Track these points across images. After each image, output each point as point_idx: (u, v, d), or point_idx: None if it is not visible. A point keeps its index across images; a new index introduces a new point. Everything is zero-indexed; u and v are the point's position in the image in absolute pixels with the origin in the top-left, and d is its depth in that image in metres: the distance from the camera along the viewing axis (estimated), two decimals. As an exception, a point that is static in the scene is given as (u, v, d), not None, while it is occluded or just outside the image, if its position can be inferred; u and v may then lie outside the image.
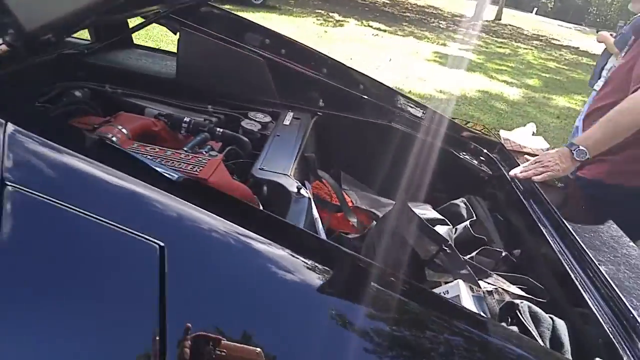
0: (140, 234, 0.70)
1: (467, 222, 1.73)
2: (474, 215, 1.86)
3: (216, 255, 0.76)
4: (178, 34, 1.98)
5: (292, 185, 1.41)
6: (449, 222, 1.77)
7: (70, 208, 0.69)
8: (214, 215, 0.77)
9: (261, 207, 1.40)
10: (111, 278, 0.70)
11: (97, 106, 1.88)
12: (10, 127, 0.74)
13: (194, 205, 0.77)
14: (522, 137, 2.19)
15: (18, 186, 0.69)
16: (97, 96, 1.93)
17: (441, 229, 1.65)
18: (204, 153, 1.42)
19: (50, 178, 0.74)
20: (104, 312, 0.68)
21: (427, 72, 8.52)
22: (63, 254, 0.71)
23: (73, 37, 2.34)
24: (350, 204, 1.77)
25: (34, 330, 0.66)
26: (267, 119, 1.88)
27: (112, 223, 0.69)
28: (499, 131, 2.17)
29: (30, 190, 0.70)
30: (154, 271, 0.68)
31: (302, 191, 1.38)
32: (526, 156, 2.07)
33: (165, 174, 0.84)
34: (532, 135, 2.21)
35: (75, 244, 0.71)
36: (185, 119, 1.70)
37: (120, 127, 1.48)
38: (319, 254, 0.87)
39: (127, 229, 0.69)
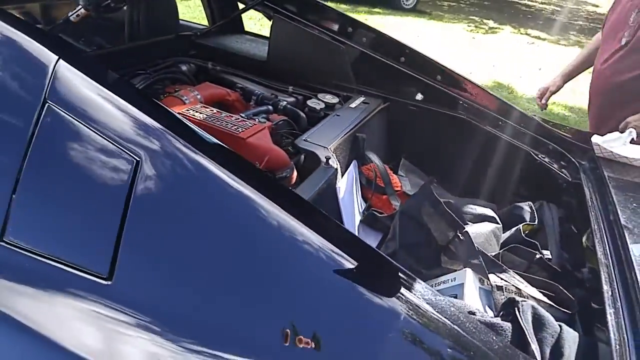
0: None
1: (521, 225, 1.65)
2: (536, 220, 1.76)
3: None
4: (272, 20, 2.21)
5: (324, 155, 1.52)
6: (499, 221, 1.71)
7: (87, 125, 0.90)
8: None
9: (295, 172, 1.54)
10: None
11: (198, 78, 2.20)
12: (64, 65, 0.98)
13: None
14: (618, 143, 1.99)
15: (55, 106, 0.92)
16: (200, 71, 2.24)
17: (487, 226, 1.61)
18: (255, 120, 1.60)
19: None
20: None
21: (584, 85, 7.75)
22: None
23: (192, 22, 2.73)
24: (398, 189, 1.81)
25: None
26: (335, 100, 2.01)
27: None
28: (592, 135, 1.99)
29: (65, 111, 0.92)
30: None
31: (331, 161, 1.48)
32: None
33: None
34: (631, 142, 1.98)
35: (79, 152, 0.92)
36: (255, 92, 1.90)
37: (196, 92, 1.73)
38: (305, 217, 0.86)
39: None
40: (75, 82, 0.94)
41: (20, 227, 0.90)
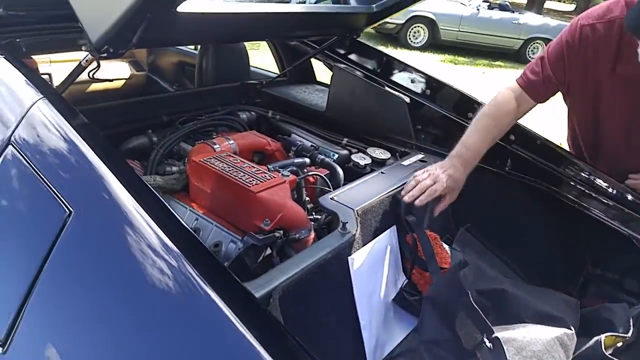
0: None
1: (603, 337, 1.29)
2: (630, 330, 1.38)
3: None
4: (332, 70, 2.13)
5: (345, 218, 1.34)
6: (570, 325, 1.36)
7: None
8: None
9: (312, 234, 1.39)
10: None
11: (259, 126, 2.18)
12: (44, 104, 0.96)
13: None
14: None
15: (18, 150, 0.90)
16: (260, 119, 2.22)
17: (550, 331, 1.29)
18: (279, 172, 1.49)
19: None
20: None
21: None
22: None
23: (266, 70, 2.76)
24: (446, 265, 1.56)
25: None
26: (385, 155, 1.84)
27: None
28: None
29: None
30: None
31: (348, 226, 1.31)
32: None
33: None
34: None
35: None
36: (296, 143, 1.81)
37: (232, 141, 1.68)
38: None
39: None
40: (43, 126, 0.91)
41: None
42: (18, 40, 1.37)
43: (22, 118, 0.92)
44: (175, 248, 0.74)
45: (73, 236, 0.78)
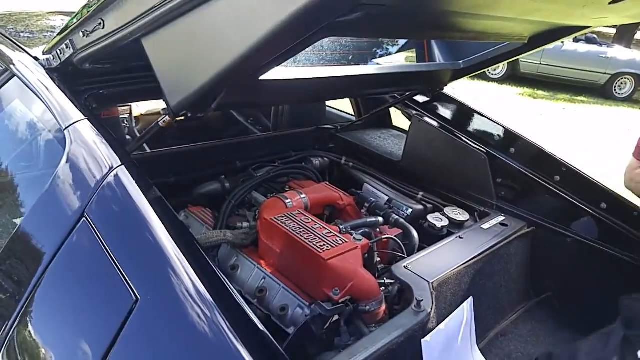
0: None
1: None
2: None
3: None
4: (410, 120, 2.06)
5: (420, 294, 1.25)
6: None
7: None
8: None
9: (383, 306, 1.30)
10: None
11: (331, 171, 2.14)
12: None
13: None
14: None
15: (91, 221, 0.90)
16: (333, 165, 2.18)
17: None
18: (350, 235, 1.43)
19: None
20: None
21: None
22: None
23: (339, 110, 2.72)
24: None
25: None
26: (464, 217, 1.72)
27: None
28: None
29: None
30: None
31: (424, 304, 1.21)
32: None
33: None
34: None
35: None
36: (370, 199, 1.74)
37: (303, 195, 1.64)
38: None
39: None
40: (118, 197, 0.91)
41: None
42: (102, 91, 1.42)
43: (98, 187, 0.92)
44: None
45: (138, 324, 0.76)
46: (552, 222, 1.74)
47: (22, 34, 1.78)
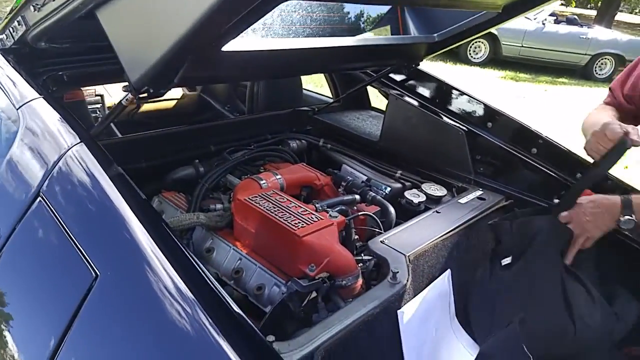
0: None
1: None
2: None
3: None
4: (387, 98, 2.03)
5: (396, 266, 1.24)
6: None
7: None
8: None
9: (360, 280, 1.29)
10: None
11: (310, 154, 2.11)
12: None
13: None
14: None
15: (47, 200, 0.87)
16: (311, 148, 2.15)
17: None
18: (326, 213, 1.41)
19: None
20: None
21: None
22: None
23: (316, 93, 2.69)
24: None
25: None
26: (441, 192, 1.71)
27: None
28: None
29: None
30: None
31: (399, 276, 1.20)
32: None
33: None
34: None
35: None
36: (347, 178, 1.72)
37: (279, 176, 1.61)
38: None
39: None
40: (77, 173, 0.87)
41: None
42: (61, 73, 1.37)
43: (54, 166, 0.88)
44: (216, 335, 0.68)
45: (98, 300, 0.73)
46: (530, 195, 1.73)
47: None
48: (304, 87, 2.63)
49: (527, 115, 6.34)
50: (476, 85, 8.46)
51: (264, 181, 1.56)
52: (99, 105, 2.54)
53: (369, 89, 2.46)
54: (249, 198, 1.42)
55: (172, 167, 1.74)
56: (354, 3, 1.86)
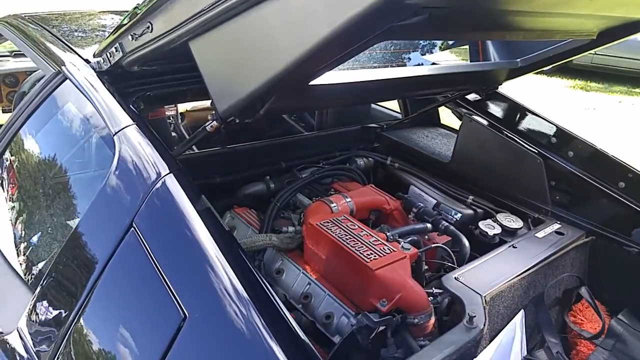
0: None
1: None
2: None
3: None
4: (461, 120, 1.97)
5: (473, 308, 1.19)
6: None
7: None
8: None
9: (432, 319, 1.25)
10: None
11: (376, 172, 2.09)
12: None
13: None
14: None
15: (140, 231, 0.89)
16: (378, 165, 2.13)
17: None
18: (398, 243, 1.38)
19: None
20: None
21: None
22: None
23: (386, 108, 2.64)
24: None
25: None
26: (517, 224, 1.64)
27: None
28: None
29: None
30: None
31: (476, 320, 1.15)
32: None
33: None
34: None
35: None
36: (418, 204, 1.68)
37: (349, 199, 1.60)
38: None
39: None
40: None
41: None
42: (149, 93, 1.42)
43: (145, 197, 0.90)
44: None
45: (187, 341, 0.74)
46: (614, 232, 1.63)
47: (75, 33, 1.81)
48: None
49: (599, 129, 6.01)
50: (543, 95, 8.11)
51: (334, 204, 1.55)
52: (172, 113, 2.62)
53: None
54: (320, 223, 1.41)
55: (244, 182, 1.76)
56: (447, 40, 1.81)
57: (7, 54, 2.86)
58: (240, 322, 0.74)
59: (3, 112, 2.79)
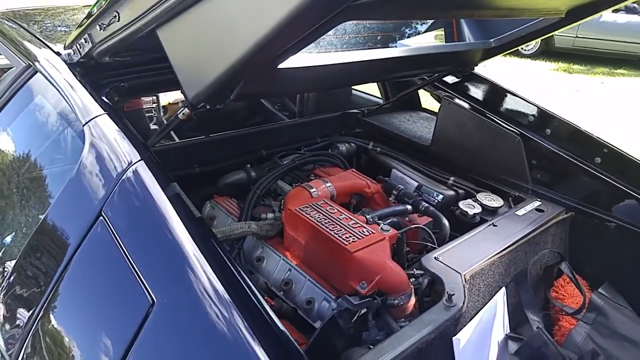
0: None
1: None
2: None
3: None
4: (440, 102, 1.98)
5: (452, 287, 1.20)
6: None
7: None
8: None
9: (412, 300, 1.26)
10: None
11: (358, 157, 2.09)
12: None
13: None
14: None
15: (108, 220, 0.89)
16: (360, 150, 2.13)
17: None
18: (377, 225, 1.38)
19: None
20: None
21: None
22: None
23: (365, 93, 2.65)
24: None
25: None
26: (498, 203, 1.65)
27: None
28: None
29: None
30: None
31: (455, 298, 1.16)
32: None
33: None
34: None
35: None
36: (398, 186, 1.69)
37: (329, 184, 1.60)
38: None
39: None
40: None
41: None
42: (123, 84, 1.41)
43: (115, 185, 0.90)
44: None
45: (156, 328, 0.74)
46: (593, 207, 1.65)
47: (58, 28, 1.79)
48: (353, 87, 2.60)
49: (582, 110, 6.06)
50: (527, 78, 8.16)
51: (314, 189, 1.55)
52: (154, 105, 2.60)
53: (420, 89, 2.40)
54: (299, 208, 1.41)
55: (225, 172, 1.76)
56: (409, 19, 1.81)
57: None
58: (211, 308, 0.74)
59: None
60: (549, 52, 10.40)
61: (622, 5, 1.48)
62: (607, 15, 10.25)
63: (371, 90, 2.73)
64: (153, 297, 0.75)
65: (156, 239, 0.83)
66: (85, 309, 0.88)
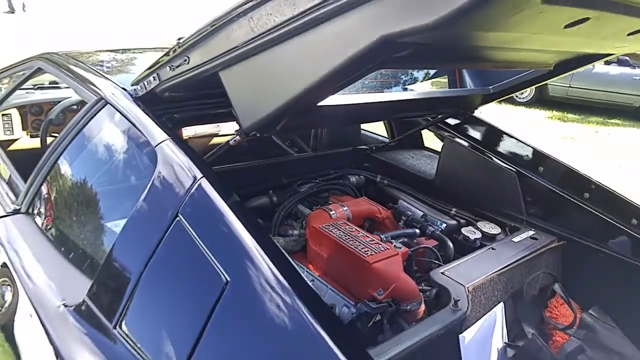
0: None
1: None
2: None
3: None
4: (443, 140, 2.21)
5: (457, 295, 1.39)
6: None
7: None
8: None
9: (422, 306, 1.44)
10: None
11: (367, 189, 2.31)
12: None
13: None
14: None
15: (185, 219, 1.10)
16: (368, 183, 2.35)
17: None
18: (390, 243, 1.58)
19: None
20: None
21: None
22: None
23: (373, 133, 2.89)
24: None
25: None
26: (495, 230, 1.85)
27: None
28: None
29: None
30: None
31: (460, 304, 1.35)
32: None
33: None
34: None
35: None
36: (407, 212, 1.89)
37: (346, 208, 1.81)
38: None
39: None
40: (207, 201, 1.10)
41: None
42: (175, 115, 1.64)
43: (187, 193, 1.11)
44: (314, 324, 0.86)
45: (228, 304, 0.93)
46: (582, 237, 1.84)
47: (105, 66, 2.06)
48: (361, 127, 2.85)
49: (577, 157, 6.28)
50: (522, 125, 8.45)
51: (333, 212, 1.76)
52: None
53: (423, 130, 2.65)
54: (322, 226, 1.61)
55: (250, 197, 1.97)
56: (429, 68, 2.08)
57: (32, 87, 3.12)
58: (270, 288, 0.93)
59: (31, 137, 3.05)
60: (543, 101, 10.78)
61: (603, 60, 1.73)
62: (599, 67, 10.68)
63: (378, 130, 2.99)
64: (226, 276, 0.95)
65: (224, 233, 1.03)
66: (168, 290, 1.08)
